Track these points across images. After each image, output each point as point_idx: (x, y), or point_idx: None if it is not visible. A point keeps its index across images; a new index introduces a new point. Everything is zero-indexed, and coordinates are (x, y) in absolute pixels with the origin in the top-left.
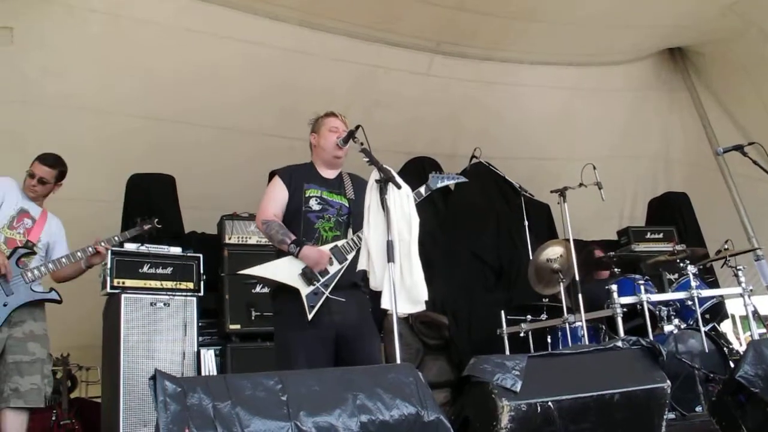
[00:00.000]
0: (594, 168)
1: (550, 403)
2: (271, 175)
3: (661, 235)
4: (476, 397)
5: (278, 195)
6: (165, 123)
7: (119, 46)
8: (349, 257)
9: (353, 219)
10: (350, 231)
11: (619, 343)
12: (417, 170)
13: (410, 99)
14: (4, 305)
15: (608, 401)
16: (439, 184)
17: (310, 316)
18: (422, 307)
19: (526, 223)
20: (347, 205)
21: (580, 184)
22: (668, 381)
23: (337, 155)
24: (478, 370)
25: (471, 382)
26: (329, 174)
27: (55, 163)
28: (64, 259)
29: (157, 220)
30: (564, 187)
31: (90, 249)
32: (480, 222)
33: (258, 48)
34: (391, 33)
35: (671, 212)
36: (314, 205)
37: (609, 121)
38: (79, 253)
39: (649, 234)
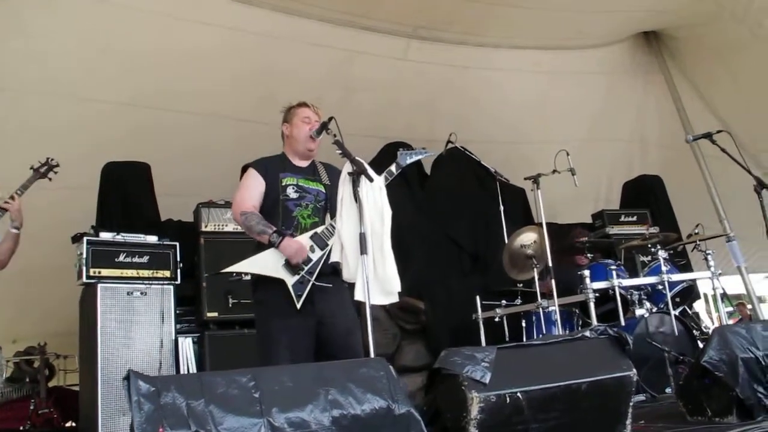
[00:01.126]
0: (567, 154)
1: (519, 394)
2: (244, 168)
3: (635, 218)
4: (447, 389)
5: (255, 186)
6: (142, 108)
7: (98, 32)
8: (330, 242)
9: (330, 204)
10: (328, 216)
11: (588, 333)
12: (392, 156)
13: (386, 84)
14: None
15: (576, 390)
16: (408, 161)
17: (298, 305)
18: (395, 299)
19: (502, 207)
20: (324, 190)
21: (554, 171)
22: (634, 369)
23: (309, 147)
24: (448, 363)
25: (441, 375)
26: (302, 163)
27: None
28: None
29: (49, 157)
30: (537, 174)
31: None
32: (456, 207)
33: (235, 33)
34: (368, 18)
35: (645, 195)
36: (291, 193)
37: (585, 104)
38: None
39: (623, 217)
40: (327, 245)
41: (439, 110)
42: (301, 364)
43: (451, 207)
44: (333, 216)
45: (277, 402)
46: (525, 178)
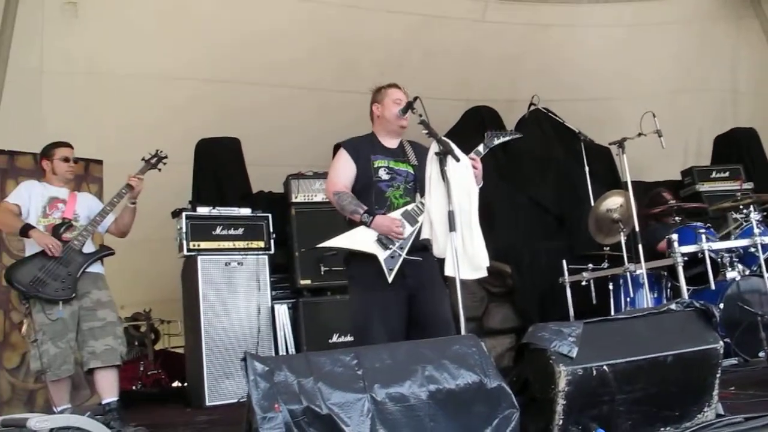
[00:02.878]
0: (654, 116)
1: (605, 367)
2: (336, 147)
3: (726, 174)
4: (535, 363)
5: (346, 167)
6: (228, 85)
7: (179, 14)
8: (420, 219)
9: (419, 184)
10: (417, 195)
11: (673, 306)
12: (475, 121)
13: (466, 46)
14: (69, 275)
15: (661, 363)
16: (496, 142)
17: (390, 278)
18: (484, 273)
19: (587, 168)
20: (412, 171)
21: (639, 134)
22: (721, 342)
23: (402, 125)
24: (536, 338)
25: (530, 348)
26: (391, 144)
27: (70, 144)
28: (97, 217)
29: (158, 150)
30: (623, 138)
31: (123, 190)
32: (540, 170)
33: (313, 5)
34: None
35: (739, 149)
36: (383, 174)
37: (672, 55)
38: (115, 199)
39: (714, 173)
40: (417, 222)
41: (520, 70)
42: (399, 343)
43: (535, 170)
44: (422, 195)
45: (378, 378)
46: (610, 143)
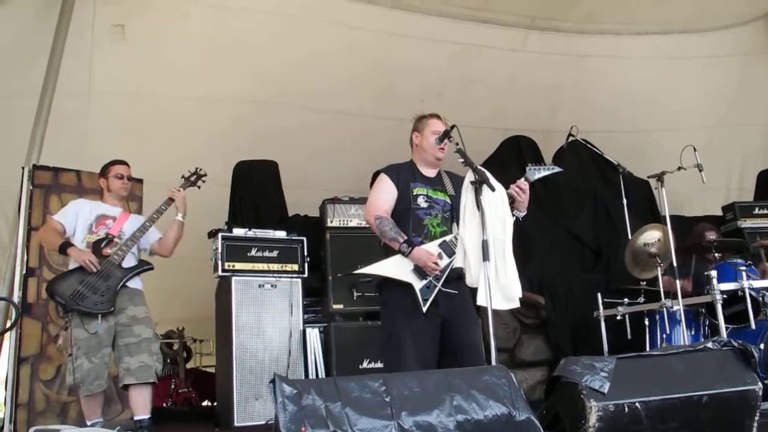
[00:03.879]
0: (695, 150)
1: (637, 404)
2: (375, 174)
3: None
4: (566, 396)
5: (388, 192)
6: (268, 108)
7: (223, 39)
8: (457, 251)
9: (456, 213)
10: (455, 226)
11: (710, 344)
12: (512, 150)
13: (505, 76)
14: (108, 288)
15: (696, 402)
16: (537, 176)
17: (425, 308)
18: (516, 304)
19: (625, 201)
20: (449, 201)
21: (679, 168)
22: (760, 384)
23: (438, 157)
24: (567, 371)
25: (561, 382)
26: (430, 173)
27: (126, 162)
28: (137, 232)
29: (198, 167)
30: (662, 172)
31: (163, 206)
32: (578, 201)
33: (355, 32)
34: (486, 11)
35: None
36: (422, 202)
37: (714, 88)
38: (155, 215)
39: (757, 209)
40: (454, 253)
41: (559, 100)
42: (428, 371)
43: (573, 201)
44: (458, 223)
45: (406, 406)
46: (648, 176)
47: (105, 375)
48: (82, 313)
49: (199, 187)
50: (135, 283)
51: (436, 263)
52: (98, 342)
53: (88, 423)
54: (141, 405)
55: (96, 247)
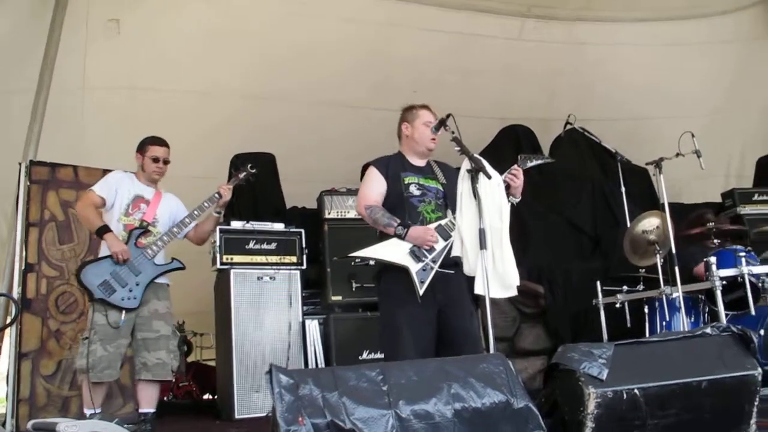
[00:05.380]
0: (692, 136)
1: (636, 390)
2: (365, 167)
3: None
4: (564, 384)
5: (377, 183)
6: (264, 101)
7: (219, 32)
8: (452, 234)
9: (449, 200)
10: (449, 212)
11: (708, 330)
12: (510, 139)
13: (503, 65)
14: (137, 284)
15: (695, 388)
16: (529, 164)
17: (421, 291)
18: (514, 292)
19: (624, 189)
20: (442, 189)
21: (677, 154)
22: (759, 369)
23: (431, 147)
24: (565, 358)
25: (559, 369)
26: (419, 163)
27: (166, 142)
28: (175, 228)
29: (250, 165)
30: (660, 158)
31: (216, 195)
32: (576, 190)
33: (351, 23)
34: (482, 0)
35: None
36: (414, 190)
37: (712, 75)
38: (196, 212)
39: (756, 195)
40: (450, 236)
41: (557, 89)
42: (425, 360)
43: (571, 190)
44: (453, 212)
45: (403, 395)
46: (647, 163)
47: (117, 366)
48: (108, 304)
49: (245, 183)
50: (163, 278)
51: (433, 237)
52: (116, 332)
53: (86, 413)
54: (148, 399)
55: (131, 236)
